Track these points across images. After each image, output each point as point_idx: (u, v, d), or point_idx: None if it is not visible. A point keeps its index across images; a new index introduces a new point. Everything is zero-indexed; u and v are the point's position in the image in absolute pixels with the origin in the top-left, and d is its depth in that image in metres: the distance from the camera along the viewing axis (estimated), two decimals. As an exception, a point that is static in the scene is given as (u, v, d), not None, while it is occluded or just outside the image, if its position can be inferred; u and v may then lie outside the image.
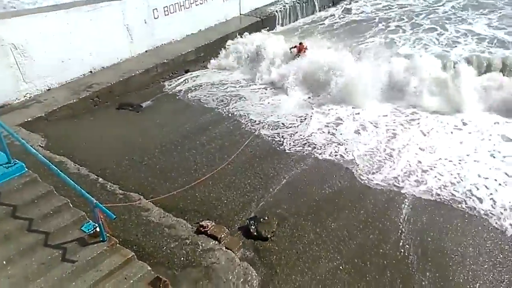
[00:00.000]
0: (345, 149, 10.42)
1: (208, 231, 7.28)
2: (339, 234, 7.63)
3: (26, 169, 7.03)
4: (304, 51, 15.15)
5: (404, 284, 6.59)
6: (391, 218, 8.02)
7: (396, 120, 11.77)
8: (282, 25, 20.15)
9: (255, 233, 7.52)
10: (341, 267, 6.91)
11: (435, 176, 9.24)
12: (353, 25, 19.35)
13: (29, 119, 11.16)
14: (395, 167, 9.63)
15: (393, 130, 11.25)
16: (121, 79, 13.50)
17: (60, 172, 6.22)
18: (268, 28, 19.03)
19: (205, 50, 16.23)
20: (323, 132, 11.31)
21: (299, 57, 15.00)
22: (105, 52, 13.87)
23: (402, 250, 7.26)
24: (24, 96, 12.10)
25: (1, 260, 5.67)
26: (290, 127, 11.62)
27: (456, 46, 15.47)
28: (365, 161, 9.90)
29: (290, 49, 15.52)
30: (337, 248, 7.31)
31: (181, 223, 7.51)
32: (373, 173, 9.42)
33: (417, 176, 9.28)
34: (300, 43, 15.39)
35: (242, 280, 6.37)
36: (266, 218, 7.83)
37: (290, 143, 10.76)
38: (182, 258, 6.70)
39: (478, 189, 8.75)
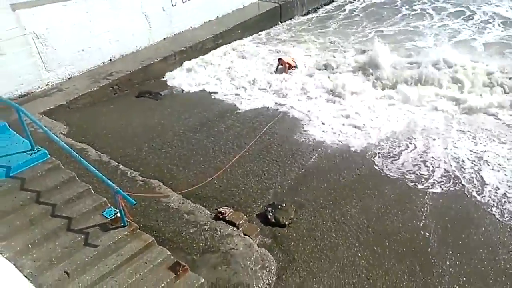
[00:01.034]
0: (363, 135, 10.33)
1: (226, 218, 7.35)
2: (357, 221, 7.59)
3: (49, 156, 7.20)
4: (293, 68, 13.84)
5: (423, 272, 6.52)
6: (410, 206, 7.91)
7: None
8: (302, 11, 19.87)
9: (273, 220, 7.54)
10: (359, 254, 6.89)
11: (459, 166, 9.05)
12: (375, 10, 19.03)
13: (51, 107, 11.40)
14: (414, 155, 9.47)
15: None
16: (140, 67, 13.61)
17: (82, 159, 6.34)
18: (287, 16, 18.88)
19: (222, 37, 16.18)
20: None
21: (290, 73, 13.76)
22: (124, 40, 13.99)
23: (422, 238, 7.18)
24: (46, 85, 12.34)
25: (26, 244, 5.85)
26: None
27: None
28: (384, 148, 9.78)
29: (277, 67, 14.07)
30: (355, 235, 7.27)
31: (199, 209, 7.60)
32: (393, 160, 9.29)
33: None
34: (280, 59, 13.90)
35: (260, 266, 6.42)
36: (284, 205, 7.84)
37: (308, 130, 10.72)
38: (201, 244, 6.80)
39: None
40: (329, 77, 13.26)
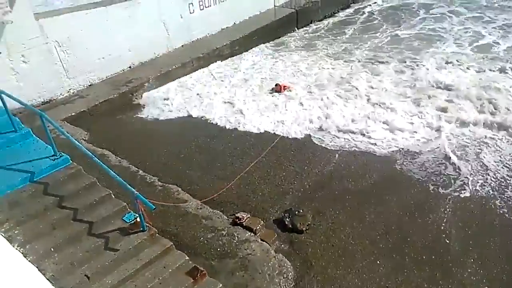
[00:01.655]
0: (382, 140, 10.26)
1: (244, 223, 7.37)
2: (376, 227, 7.52)
3: (71, 162, 7.36)
4: (288, 89, 13.30)
5: (444, 279, 6.42)
6: (431, 213, 7.80)
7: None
8: (319, 16, 19.83)
9: (290, 226, 7.54)
10: (378, 261, 6.82)
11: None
12: (392, 13, 18.92)
13: (72, 114, 11.64)
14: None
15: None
16: (159, 74, 13.80)
17: (103, 165, 6.47)
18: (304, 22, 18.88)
19: (239, 43, 16.30)
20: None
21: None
22: (143, 47, 14.22)
23: (442, 245, 7.06)
24: (68, 92, 12.61)
25: (49, 248, 5.99)
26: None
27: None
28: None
29: (272, 89, 13.49)
30: (374, 242, 7.20)
31: (217, 215, 7.65)
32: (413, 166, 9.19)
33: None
34: (276, 84, 13.41)
35: (277, 272, 6.42)
36: (301, 211, 7.83)
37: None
38: (218, 249, 6.83)
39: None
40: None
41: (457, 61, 14.10)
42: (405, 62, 14.44)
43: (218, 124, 11.69)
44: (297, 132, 10.96)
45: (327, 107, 12.04)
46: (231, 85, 13.92)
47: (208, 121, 11.82)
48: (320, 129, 11.08)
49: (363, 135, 10.52)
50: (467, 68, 13.47)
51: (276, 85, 13.40)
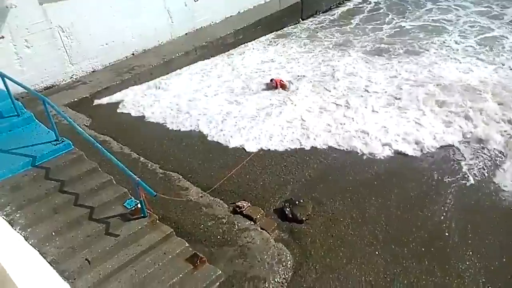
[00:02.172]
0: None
1: (244, 212, 7.40)
2: (376, 218, 7.53)
3: (73, 147, 7.38)
4: (284, 87, 12.64)
5: (443, 272, 6.44)
6: (430, 205, 7.81)
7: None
8: (325, 6, 19.63)
9: (290, 216, 7.55)
10: (377, 252, 6.84)
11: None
12: (399, 4, 18.72)
13: (75, 100, 11.65)
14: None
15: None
16: (162, 62, 13.75)
17: (105, 150, 6.49)
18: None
19: (243, 32, 16.20)
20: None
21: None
22: (146, 35, 14.17)
23: (442, 238, 7.08)
24: (71, 78, 12.61)
25: (50, 232, 6.04)
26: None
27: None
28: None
29: (267, 85, 12.86)
30: (374, 233, 7.22)
31: (217, 203, 7.67)
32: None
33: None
34: (271, 80, 12.73)
35: (276, 260, 6.45)
36: (302, 201, 7.84)
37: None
38: (218, 237, 6.86)
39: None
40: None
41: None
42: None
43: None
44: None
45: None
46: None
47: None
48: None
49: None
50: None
51: (271, 80, 12.71)
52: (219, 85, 13.13)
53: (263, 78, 13.38)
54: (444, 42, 15.10)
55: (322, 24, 18.25)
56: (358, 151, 9.52)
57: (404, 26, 17.06)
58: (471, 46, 14.51)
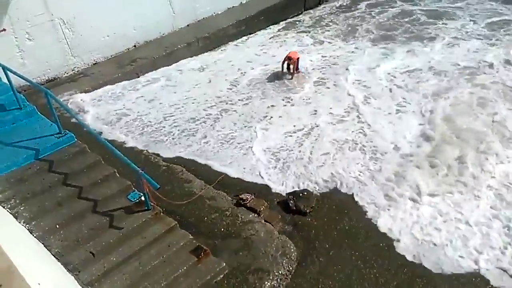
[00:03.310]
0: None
1: (248, 204, 7.40)
2: (380, 211, 7.53)
3: (76, 140, 7.37)
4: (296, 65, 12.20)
5: (447, 263, 6.44)
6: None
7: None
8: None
9: (294, 208, 7.55)
10: (380, 244, 6.84)
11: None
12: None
13: (77, 92, 11.60)
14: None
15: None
16: (164, 53, 13.68)
17: (108, 143, 6.47)
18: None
19: (246, 23, 16.06)
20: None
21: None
22: (148, 26, 14.05)
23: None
24: (72, 70, 12.55)
25: (55, 224, 6.06)
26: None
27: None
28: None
29: (283, 64, 12.32)
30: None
31: (221, 195, 7.66)
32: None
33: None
34: (290, 58, 12.01)
35: (280, 252, 6.45)
36: (306, 193, 7.83)
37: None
38: (222, 229, 6.86)
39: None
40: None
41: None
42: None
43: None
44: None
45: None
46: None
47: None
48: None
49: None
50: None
51: (289, 58, 12.02)
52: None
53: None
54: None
55: (326, 14, 17.90)
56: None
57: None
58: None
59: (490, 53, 12.77)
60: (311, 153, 9.04)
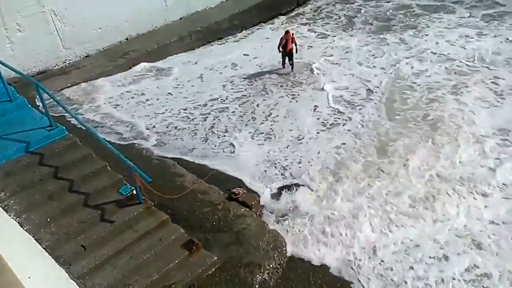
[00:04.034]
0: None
1: (240, 198, 7.41)
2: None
3: (67, 133, 7.31)
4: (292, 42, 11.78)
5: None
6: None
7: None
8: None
9: (286, 202, 7.58)
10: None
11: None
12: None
13: (68, 85, 11.51)
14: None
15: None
16: (156, 46, 13.60)
17: (100, 136, 6.44)
18: None
19: (239, 17, 16.00)
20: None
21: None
22: (140, 19, 13.95)
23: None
24: (64, 62, 12.44)
25: (45, 218, 6.02)
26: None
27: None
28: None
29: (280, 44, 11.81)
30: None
31: (213, 189, 7.66)
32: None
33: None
34: (287, 32, 11.78)
35: (271, 246, 6.48)
36: (298, 188, 7.87)
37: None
38: (214, 223, 6.88)
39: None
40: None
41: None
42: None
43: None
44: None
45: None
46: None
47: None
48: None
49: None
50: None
51: (287, 31, 11.80)
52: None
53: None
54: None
55: (321, 8, 17.83)
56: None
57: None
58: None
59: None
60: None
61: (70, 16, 12.02)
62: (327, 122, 9.90)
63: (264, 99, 11.02)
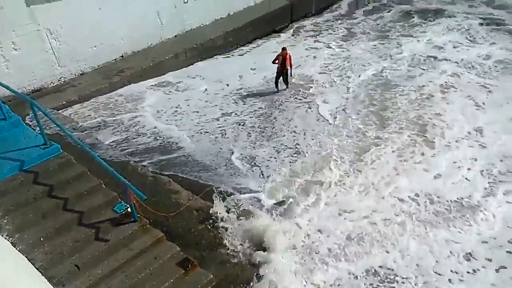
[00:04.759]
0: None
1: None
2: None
3: (62, 151, 7.28)
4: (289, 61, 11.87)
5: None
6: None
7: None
8: (315, 8, 19.57)
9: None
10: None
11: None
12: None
13: (63, 103, 11.50)
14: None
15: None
16: (151, 64, 13.66)
17: (94, 154, 6.41)
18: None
19: (233, 35, 16.17)
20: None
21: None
22: (135, 37, 14.05)
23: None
24: (59, 80, 12.45)
25: (39, 237, 5.95)
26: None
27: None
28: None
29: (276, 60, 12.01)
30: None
31: (208, 206, 7.61)
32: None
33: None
34: (283, 49, 11.91)
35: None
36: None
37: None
38: (210, 240, 6.82)
39: None
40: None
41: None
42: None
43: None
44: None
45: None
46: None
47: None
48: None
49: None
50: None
51: (283, 48, 11.85)
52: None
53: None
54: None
55: (314, 26, 18.24)
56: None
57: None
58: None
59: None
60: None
61: (65, 34, 12.07)
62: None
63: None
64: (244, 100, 12.15)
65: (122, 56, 13.93)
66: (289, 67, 12.08)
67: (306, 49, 15.62)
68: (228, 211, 7.42)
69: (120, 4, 13.22)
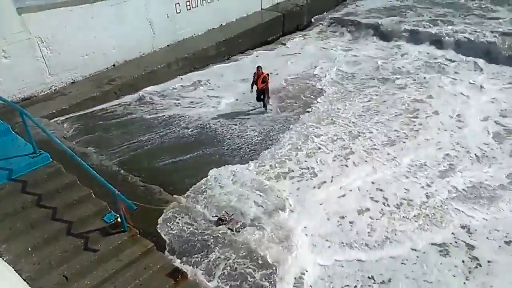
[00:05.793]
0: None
1: (227, 224, 7.35)
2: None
3: (51, 160, 7.22)
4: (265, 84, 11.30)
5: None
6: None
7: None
8: (307, 20, 19.80)
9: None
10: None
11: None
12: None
13: (54, 111, 11.42)
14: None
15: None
16: (143, 73, 13.66)
17: (84, 163, 6.37)
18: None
19: (226, 45, 16.26)
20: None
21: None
22: (128, 46, 14.05)
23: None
24: (50, 89, 12.37)
25: (27, 247, 5.86)
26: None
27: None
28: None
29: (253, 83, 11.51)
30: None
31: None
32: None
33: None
34: (258, 67, 11.30)
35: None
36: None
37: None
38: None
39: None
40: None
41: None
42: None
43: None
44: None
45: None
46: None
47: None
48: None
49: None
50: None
51: (257, 68, 11.29)
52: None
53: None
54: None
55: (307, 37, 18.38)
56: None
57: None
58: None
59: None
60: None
61: (57, 43, 12.03)
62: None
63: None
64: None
65: (113, 65, 13.90)
66: (265, 91, 11.50)
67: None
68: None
69: (113, 14, 13.23)
